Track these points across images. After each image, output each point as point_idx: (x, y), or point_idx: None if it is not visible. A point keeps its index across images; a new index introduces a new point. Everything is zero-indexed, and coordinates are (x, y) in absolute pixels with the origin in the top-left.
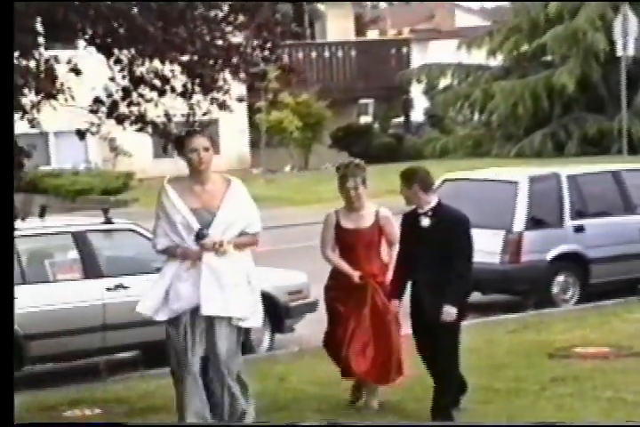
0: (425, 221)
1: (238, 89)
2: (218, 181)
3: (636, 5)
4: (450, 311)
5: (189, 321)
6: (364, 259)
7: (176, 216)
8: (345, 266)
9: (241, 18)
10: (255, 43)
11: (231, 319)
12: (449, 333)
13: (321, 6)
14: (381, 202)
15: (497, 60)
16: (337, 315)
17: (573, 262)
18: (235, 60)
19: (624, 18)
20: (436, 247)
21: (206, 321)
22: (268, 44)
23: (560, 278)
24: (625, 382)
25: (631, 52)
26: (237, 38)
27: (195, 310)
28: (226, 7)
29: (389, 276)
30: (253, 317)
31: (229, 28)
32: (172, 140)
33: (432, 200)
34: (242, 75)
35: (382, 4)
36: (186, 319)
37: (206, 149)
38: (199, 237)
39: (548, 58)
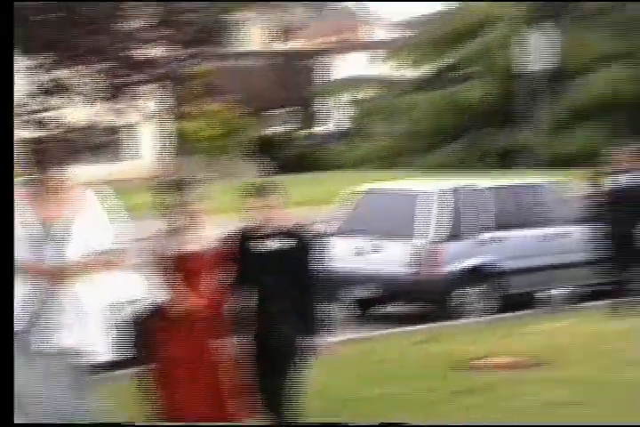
0: (274, 243)
1: (152, 102)
2: (71, 189)
3: (546, 24)
4: (322, 339)
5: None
6: (191, 288)
7: (18, 228)
8: (169, 296)
9: (167, 32)
10: (180, 57)
11: (79, 353)
12: (301, 359)
13: (243, 15)
14: (292, 213)
15: (416, 73)
16: (161, 351)
17: (487, 274)
18: (155, 71)
19: (533, 35)
20: (287, 271)
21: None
22: (192, 60)
23: (473, 289)
24: (528, 393)
25: (540, 68)
26: (159, 51)
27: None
28: (152, 21)
29: (221, 308)
30: (105, 348)
31: (152, 41)
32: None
33: (281, 218)
34: (162, 86)
35: (304, 15)
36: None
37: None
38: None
39: (464, 71)
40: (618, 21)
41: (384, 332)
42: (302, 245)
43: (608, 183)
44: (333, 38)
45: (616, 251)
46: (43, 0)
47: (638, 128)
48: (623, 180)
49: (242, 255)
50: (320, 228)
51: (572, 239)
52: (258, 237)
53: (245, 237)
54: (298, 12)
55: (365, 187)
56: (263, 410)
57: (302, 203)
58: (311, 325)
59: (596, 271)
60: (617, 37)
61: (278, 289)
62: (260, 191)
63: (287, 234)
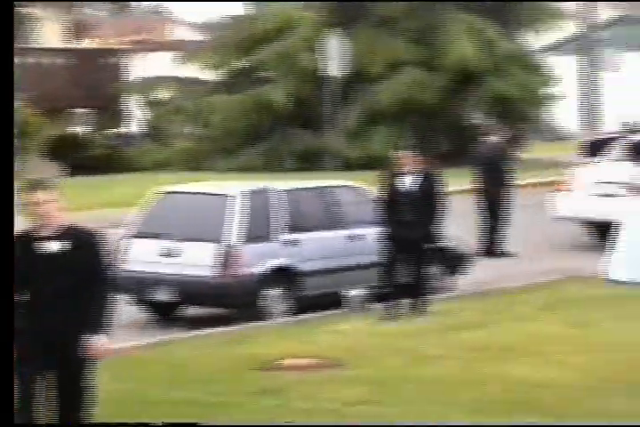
0: (55, 246)
1: None
2: None
3: (346, 29)
4: (99, 342)
5: None
6: None
7: None
8: None
9: None
10: None
11: None
12: (85, 361)
13: (37, 11)
14: (94, 214)
15: (219, 74)
16: None
17: (286, 276)
18: None
19: (332, 40)
20: (70, 274)
21: None
22: None
23: (272, 291)
24: (327, 392)
25: (339, 72)
26: None
27: None
28: None
29: None
30: None
31: None
32: None
33: (60, 218)
34: None
35: (102, 13)
36: None
37: None
38: None
39: (263, 74)
40: (413, 28)
41: (186, 334)
42: (84, 246)
43: (393, 186)
44: (134, 37)
45: (400, 252)
46: (42, 0)
47: (432, 132)
48: (407, 182)
49: (20, 258)
50: (111, 229)
51: (369, 241)
52: (37, 239)
53: (24, 239)
54: (97, 9)
55: (166, 189)
56: (50, 414)
57: (102, 204)
58: (95, 327)
59: (385, 273)
60: (412, 43)
61: (58, 291)
62: (34, 187)
63: (68, 235)
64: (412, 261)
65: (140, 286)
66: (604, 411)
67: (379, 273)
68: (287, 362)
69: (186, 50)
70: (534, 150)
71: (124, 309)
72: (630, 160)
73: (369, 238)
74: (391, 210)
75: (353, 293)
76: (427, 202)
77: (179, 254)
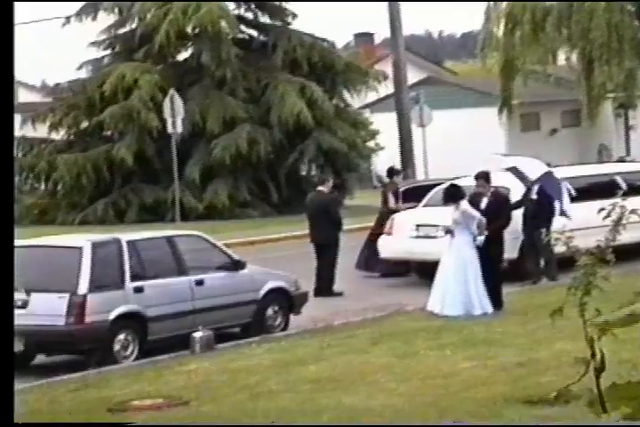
0: None
1: None
2: None
3: (184, 90)
4: None
5: None
6: None
7: None
8: None
9: None
10: None
11: None
12: None
13: None
14: None
15: (59, 134)
16: None
17: (133, 321)
18: None
19: (172, 100)
20: None
21: None
22: None
23: (121, 336)
24: None
25: (179, 129)
26: None
27: None
28: None
29: None
30: None
31: None
32: None
33: None
34: None
35: None
36: None
37: None
38: None
39: (108, 133)
40: (246, 88)
41: (38, 382)
42: None
43: None
44: None
45: None
46: (43, 0)
47: (268, 183)
48: None
49: None
50: None
51: (211, 285)
52: None
53: None
54: None
55: (17, 243)
56: None
57: None
58: None
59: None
60: (247, 102)
61: None
62: None
63: None
64: None
65: None
66: None
67: (224, 314)
68: (135, 403)
69: (31, 111)
70: (361, 198)
71: None
72: (442, 205)
73: (210, 283)
74: None
75: (199, 334)
76: None
77: (33, 306)
